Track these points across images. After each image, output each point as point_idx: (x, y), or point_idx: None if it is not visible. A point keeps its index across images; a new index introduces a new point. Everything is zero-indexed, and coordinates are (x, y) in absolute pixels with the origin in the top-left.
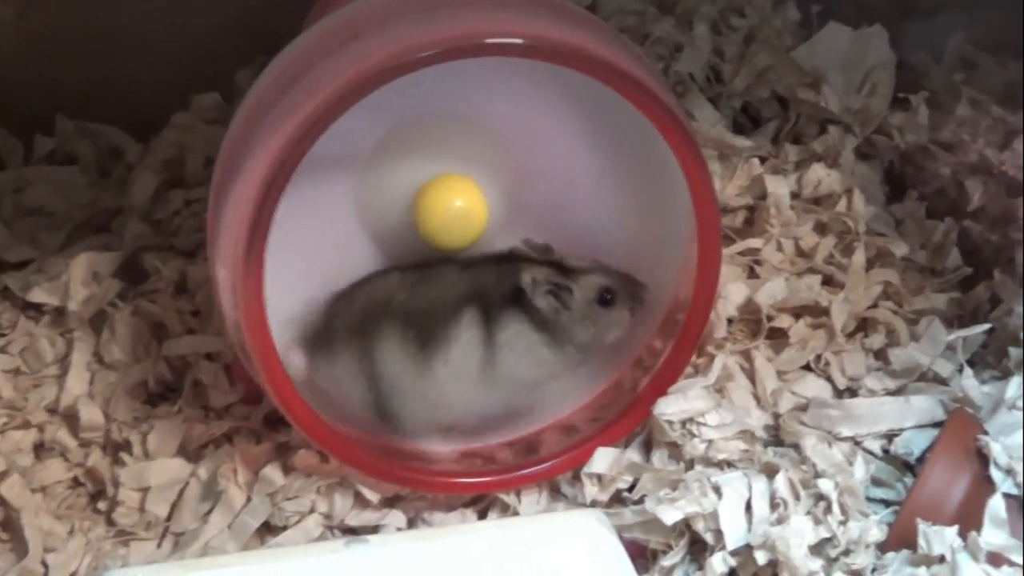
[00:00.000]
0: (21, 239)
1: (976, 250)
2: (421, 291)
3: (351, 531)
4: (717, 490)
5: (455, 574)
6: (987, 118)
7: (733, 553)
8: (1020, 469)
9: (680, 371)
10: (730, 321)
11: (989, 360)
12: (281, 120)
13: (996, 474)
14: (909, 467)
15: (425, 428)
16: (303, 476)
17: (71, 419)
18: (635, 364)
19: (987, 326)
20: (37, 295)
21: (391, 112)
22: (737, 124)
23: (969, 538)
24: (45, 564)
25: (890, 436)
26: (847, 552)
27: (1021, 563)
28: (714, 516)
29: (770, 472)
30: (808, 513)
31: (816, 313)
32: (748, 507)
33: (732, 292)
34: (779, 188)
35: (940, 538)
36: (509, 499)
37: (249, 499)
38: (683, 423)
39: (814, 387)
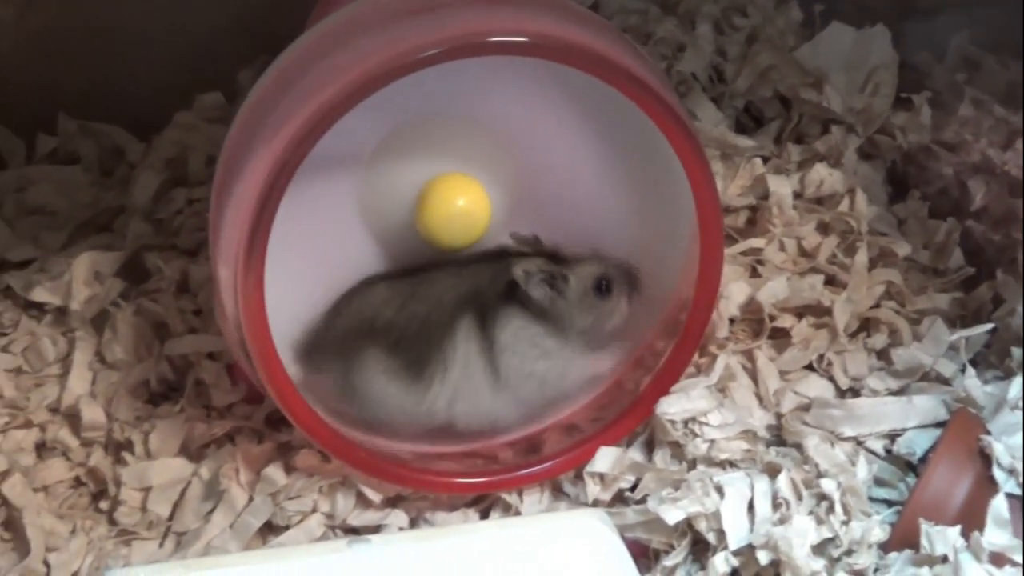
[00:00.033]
0: (23, 238)
1: (979, 250)
2: (409, 309)
3: (353, 531)
4: (719, 490)
5: (457, 574)
6: (990, 118)
7: (735, 553)
8: (1023, 469)
9: (682, 371)
10: (732, 321)
11: (992, 360)
12: (283, 120)
13: (999, 474)
14: (912, 467)
15: (422, 433)
16: (305, 476)
17: (73, 418)
18: (637, 363)
19: (990, 326)
20: (39, 294)
21: (393, 111)
22: (739, 124)
23: (972, 538)
24: (47, 564)
25: (893, 436)
26: (849, 552)
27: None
28: (716, 516)
29: (772, 472)
30: (810, 513)
31: (818, 313)
32: (750, 507)
33: (734, 292)
34: (781, 188)
35: (943, 538)
36: (511, 499)
37: (251, 499)
38: (685, 423)
39: (816, 387)
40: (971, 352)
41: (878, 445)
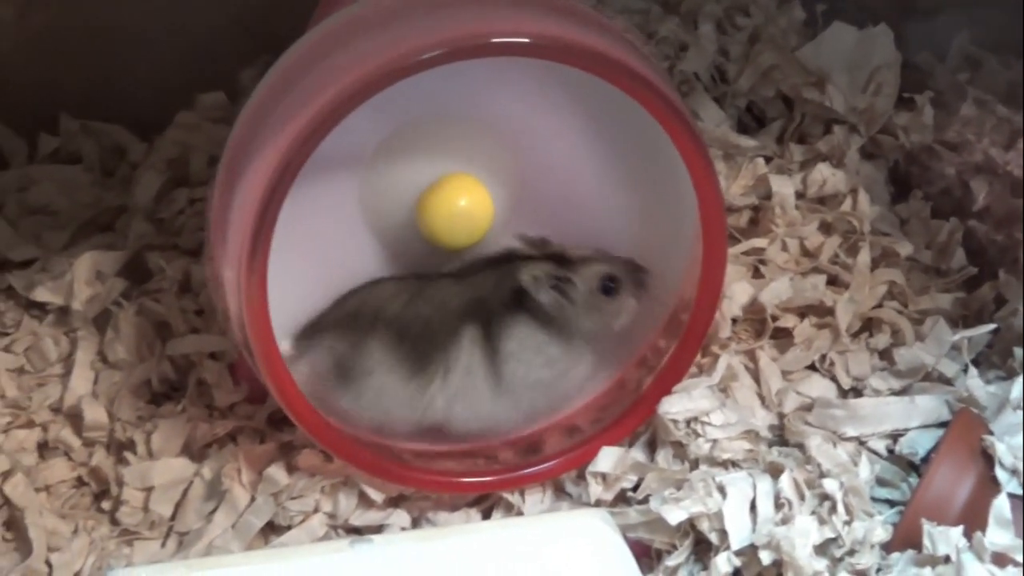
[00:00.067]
0: (25, 238)
1: (981, 250)
2: (416, 307)
3: (355, 531)
4: (722, 490)
5: (459, 574)
6: (992, 118)
7: (738, 553)
8: None
9: (684, 370)
10: (735, 321)
11: (994, 360)
12: (286, 120)
13: (1001, 474)
14: (914, 467)
15: (416, 431)
16: (307, 476)
17: (75, 418)
18: (639, 363)
19: (992, 326)
20: (41, 294)
21: (396, 112)
22: (742, 124)
23: (974, 538)
24: (49, 563)
25: (895, 436)
26: (852, 552)
27: None
28: (719, 516)
29: (775, 472)
30: (813, 513)
31: (821, 313)
32: (753, 507)
33: (737, 292)
34: (784, 188)
35: (945, 538)
36: (513, 499)
37: (253, 499)
38: (687, 423)
39: (819, 387)
40: (973, 352)
41: (880, 445)
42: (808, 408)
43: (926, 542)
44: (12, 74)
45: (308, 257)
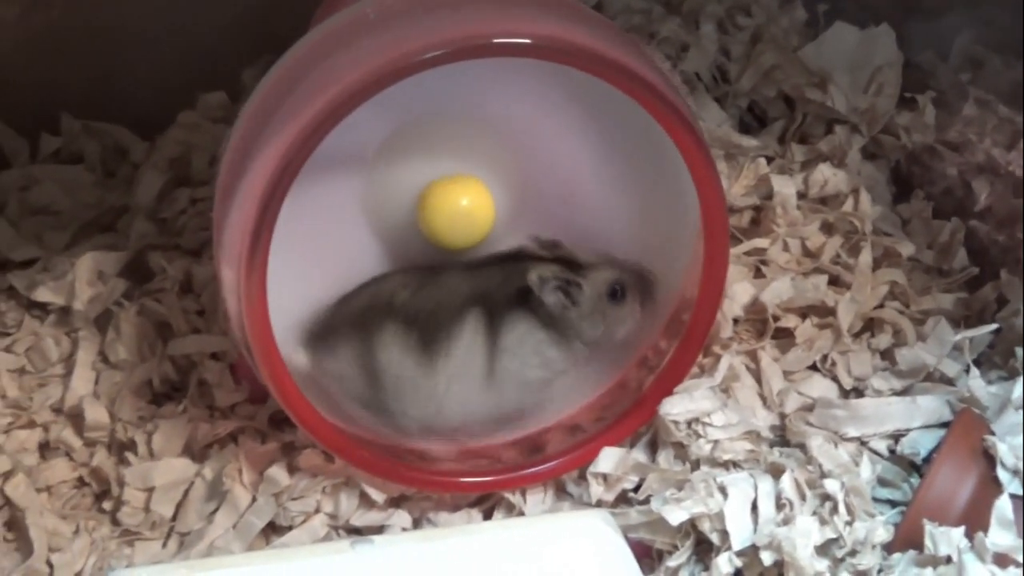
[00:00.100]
0: (27, 238)
1: (983, 250)
2: (425, 292)
3: (356, 531)
4: (723, 490)
5: (460, 574)
6: (994, 118)
7: (739, 553)
8: None
9: (686, 371)
10: (736, 321)
11: (996, 360)
12: (287, 119)
13: (1003, 475)
14: (915, 467)
15: (425, 427)
16: (308, 476)
17: (76, 419)
18: (640, 363)
19: (994, 326)
20: (42, 294)
21: (397, 111)
22: (743, 124)
23: (976, 539)
24: (50, 564)
25: (896, 436)
26: (853, 553)
27: None
28: (720, 516)
29: (776, 472)
30: (814, 513)
31: (822, 313)
32: (754, 507)
33: (738, 292)
34: (785, 188)
35: (946, 539)
36: (514, 499)
37: (254, 499)
38: (689, 423)
39: (820, 387)
40: (975, 352)
41: (882, 445)
42: (809, 408)
43: (928, 542)
44: (14, 74)
45: (309, 257)
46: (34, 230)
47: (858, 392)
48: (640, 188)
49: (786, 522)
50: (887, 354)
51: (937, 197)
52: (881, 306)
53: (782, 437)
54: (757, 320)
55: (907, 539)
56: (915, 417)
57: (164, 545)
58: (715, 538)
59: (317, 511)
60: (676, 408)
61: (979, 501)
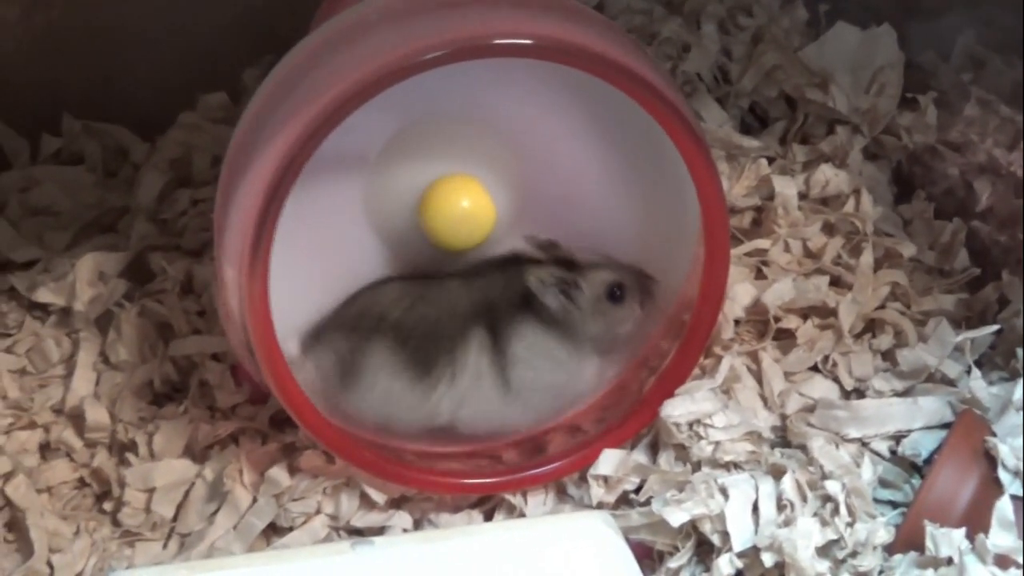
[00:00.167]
0: (27, 239)
1: (984, 251)
2: (420, 310)
3: (357, 532)
4: (724, 492)
5: None
6: (995, 118)
7: (740, 555)
8: None
9: (687, 372)
10: (737, 322)
11: (997, 361)
12: (288, 120)
13: (1004, 476)
14: (917, 468)
15: (421, 433)
16: (309, 477)
17: (77, 419)
18: (641, 365)
19: (995, 327)
20: (43, 295)
21: (399, 113)
22: (745, 124)
23: (977, 540)
24: (51, 564)
25: (898, 437)
26: (854, 554)
27: None
28: (721, 518)
29: (777, 474)
30: (815, 515)
31: (824, 314)
32: (755, 509)
33: (739, 293)
34: (787, 188)
35: (948, 540)
36: (515, 500)
37: (255, 500)
38: (690, 425)
39: (821, 388)
40: (976, 353)
41: (883, 446)
42: (811, 409)
43: (928, 544)
44: (14, 74)
45: (311, 258)
46: (35, 231)
47: (859, 393)
48: (641, 189)
49: (787, 523)
50: (888, 355)
51: (938, 198)
52: (882, 307)
53: (783, 438)
54: (758, 321)
55: (908, 540)
56: (916, 418)
57: (165, 546)
58: (716, 539)
59: (318, 512)
60: (677, 409)
61: (980, 502)
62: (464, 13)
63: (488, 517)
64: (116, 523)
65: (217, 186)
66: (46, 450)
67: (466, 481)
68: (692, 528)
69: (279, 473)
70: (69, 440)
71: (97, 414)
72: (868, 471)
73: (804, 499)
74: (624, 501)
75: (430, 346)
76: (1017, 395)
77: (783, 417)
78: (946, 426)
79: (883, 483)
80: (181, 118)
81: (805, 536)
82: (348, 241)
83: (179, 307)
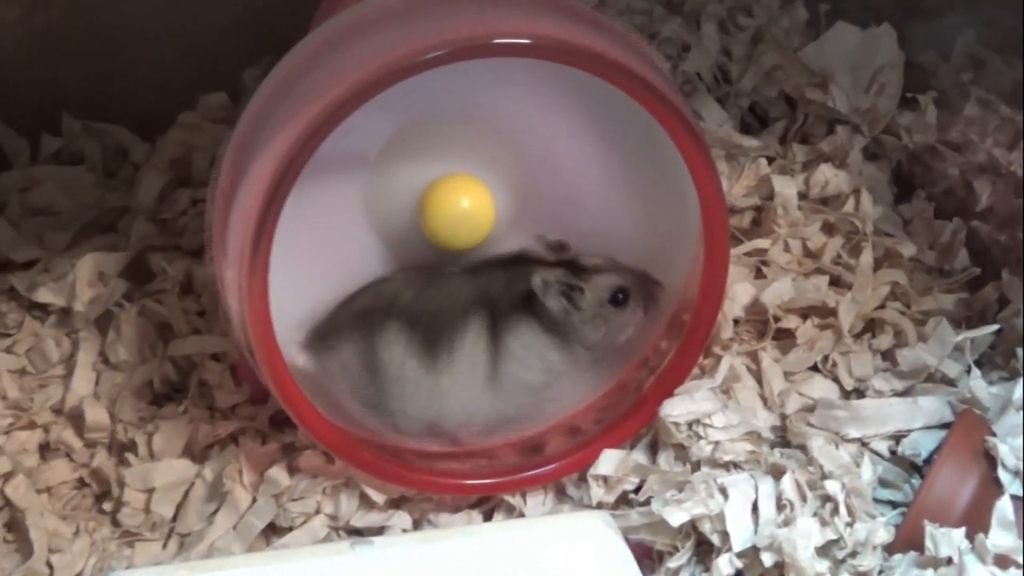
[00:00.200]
0: (27, 239)
1: (984, 250)
2: (428, 292)
3: (356, 532)
4: (723, 491)
5: None
6: (996, 118)
7: (739, 555)
8: None
9: (687, 372)
10: (737, 322)
11: (997, 361)
12: (288, 120)
13: (1004, 476)
14: (916, 468)
15: (426, 428)
16: (309, 477)
17: (76, 419)
18: (641, 364)
19: (995, 327)
20: (43, 295)
21: (399, 113)
22: (744, 124)
23: (976, 540)
24: (50, 565)
25: (897, 437)
26: (854, 554)
27: None
28: (720, 518)
29: (777, 473)
30: (815, 515)
31: (823, 314)
32: (755, 508)
33: (739, 293)
34: (787, 188)
35: (947, 540)
36: (515, 501)
37: (254, 500)
38: (689, 424)
39: (821, 388)
40: (976, 353)
41: (883, 446)
42: (810, 409)
43: (928, 544)
44: (15, 74)
45: (311, 258)
46: (35, 231)
47: (859, 393)
48: (641, 188)
49: (787, 523)
50: (888, 355)
51: (938, 197)
52: (882, 307)
53: (783, 438)
54: (758, 321)
55: (908, 540)
56: (916, 418)
57: (164, 546)
58: (716, 539)
59: (317, 512)
60: (676, 409)
61: (980, 502)
62: (464, 13)
63: (487, 517)
64: (116, 523)
65: (212, 185)
66: (46, 450)
67: (465, 482)
68: (692, 528)
69: (279, 473)
70: (69, 440)
71: (97, 414)
72: (868, 471)
73: (804, 499)
74: (623, 501)
75: (435, 329)
76: (1017, 395)
77: (783, 417)
78: (946, 426)
79: (883, 483)
80: (181, 118)
81: (805, 536)
82: (348, 241)
83: (179, 307)
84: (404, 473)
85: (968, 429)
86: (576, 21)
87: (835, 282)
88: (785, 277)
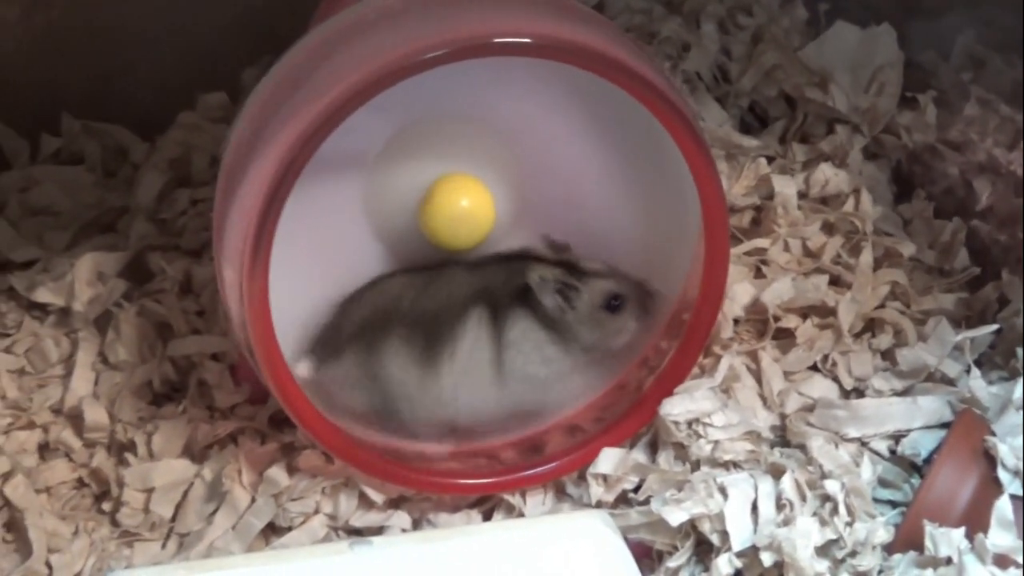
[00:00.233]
0: (27, 239)
1: (984, 250)
2: (428, 292)
3: (356, 532)
4: (723, 491)
5: (460, 575)
6: (995, 117)
7: (739, 554)
8: None
9: (686, 372)
10: (736, 321)
11: (997, 361)
12: (288, 120)
13: (1003, 475)
14: (916, 468)
15: (430, 429)
16: (308, 477)
17: (76, 419)
18: (641, 364)
19: (995, 327)
20: (42, 295)
21: (399, 113)
22: (744, 123)
23: (976, 540)
24: (49, 565)
25: (897, 437)
26: (853, 553)
27: None
28: (720, 517)
29: (776, 473)
30: (814, 514)
31: (823, 313)
32: (754, 508)
33: (739, 292)
34: (786, 188)
35: (947, 540)
36: (514, 500)
37: (254, 500)
38: (689, 424)
39: (821, 388)
40: (976, 353)
41: (882, 446)
42: (810, 409)
43: (928, 543)
44: (14, 74)
45: (311, 258)
46: (34, 231)
47: (859, 392)
48: (641, 188)
49: (786, 523)
50: (888, 354)
51: (938, 197)
52: (882, 306)
53: (782, 438)
54: (758, 320)
55: (907, 540)
56: (916, 418)
57: (163, 546)
58: (715, 539)
59: (316, 512)
60: (676, 409)
61: (980, 502)
62: (464, 12)
63: (487, 517)
64: (115, 523)
65: (216, 186)
66: (45, 450)
67: (465, 481)
68: (691, 527)
69: (278, 473)
70: (68, 440)
71: (96, 414)
72: (867, 470)
73: (803, 499)
74: (623, 500)
75: (435, 330)
76: (1017, 394)
77: (782, 416)
78: (945, 425)
79: (882, 483)
80: (181, 118)
81: (804, 536)
82: (348, 241)
83: (178, 307)
84: (403, 473)
85: (968, 429)
86: (576, 20)
87: (835, 282)
88: (785, 277)
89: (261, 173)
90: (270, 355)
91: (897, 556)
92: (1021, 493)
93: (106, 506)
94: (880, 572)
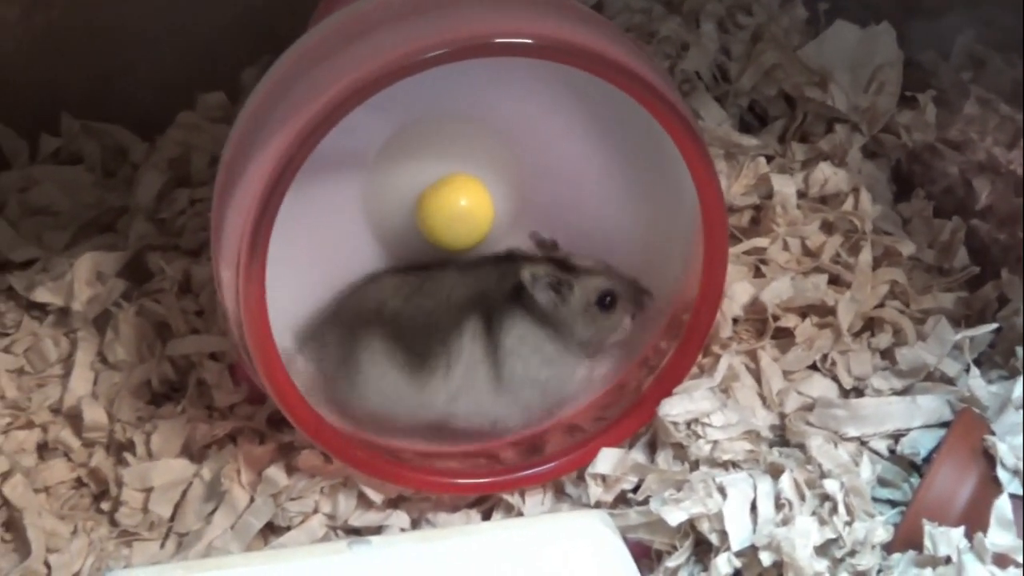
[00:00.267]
0: (26, 238)
1: (984, 249)
2: (416, 301)
3: (355, 532)
4: (722, 491)
5: (459, 575)
6: (995, 116)
7: (738, 554)
8: None
9: (685, 371)
10: (736, 321)
11: (996, 360)
12: (287, 119)
13: (1003, 475)
14: (915, 467)
15: (413, 429)
16: (307, 476)
17: (75, 419)
18: (640, 364)
19: (994, 326)
20: (41, 295)
21: (398, 112)
22: (744, 123)
23: (975, 539)
24: (48, 565)
25: (896, 436)
26: (853, 553)
27: None
28: (719, 517)
29: (775, 472)
30: (813, 514)
31: (822, 312)
32: (753, 508)
33: (738, 291)
34: (786, 187)
35: (946, 539)
36: (513, 500)
37: (252, 499)
38: (688, 424)
39: (820, 387)
40: (975, 352)
41: (882, 445)
42: (809, 408)
43: (927, 543)
44: (14, 74)
45: (309, 258)
46: (34, 230)
47: (858, 392)
48: (640, 188)
49: (785, 522)
50: (887, 353)
51: (938, 196)
52: (881, 305)
53: (782, 437)
54: (757, 320)
55: (907, 539)
56: (915, 417)
57: (162, 546)
58: (714, 538)
59: (315, 511)
60: (675, 408)
61: (979, 501)
62: (463, 12)
63: (486, 516)
64: (114, 523)
65: (214, 186)
66: (44, 450)
67: (464, 481)
68: (690, 527)
69: (277, 473)
70: (67, 440)
71: (95, 414)
72: (867, 470)
73: (802, 498)
74: (622, 500)
75: (426, 337)
76: (1016, 393)
77: (782, 416)
78: (945, 425)
79: (882, 482)
80: (180, 118)
81: (803, 535)
82: (346, 241)
83: (177, 307)
84: (402, 472)
85: (967, 428)
86: (575, 21)
87: (834, 281)
88: (784, 276)
89: (259, 172)
90: (266, 356)
91: (896, 555)
92: (1020, 492)
93: (105, 506)
94: (879, 571)
